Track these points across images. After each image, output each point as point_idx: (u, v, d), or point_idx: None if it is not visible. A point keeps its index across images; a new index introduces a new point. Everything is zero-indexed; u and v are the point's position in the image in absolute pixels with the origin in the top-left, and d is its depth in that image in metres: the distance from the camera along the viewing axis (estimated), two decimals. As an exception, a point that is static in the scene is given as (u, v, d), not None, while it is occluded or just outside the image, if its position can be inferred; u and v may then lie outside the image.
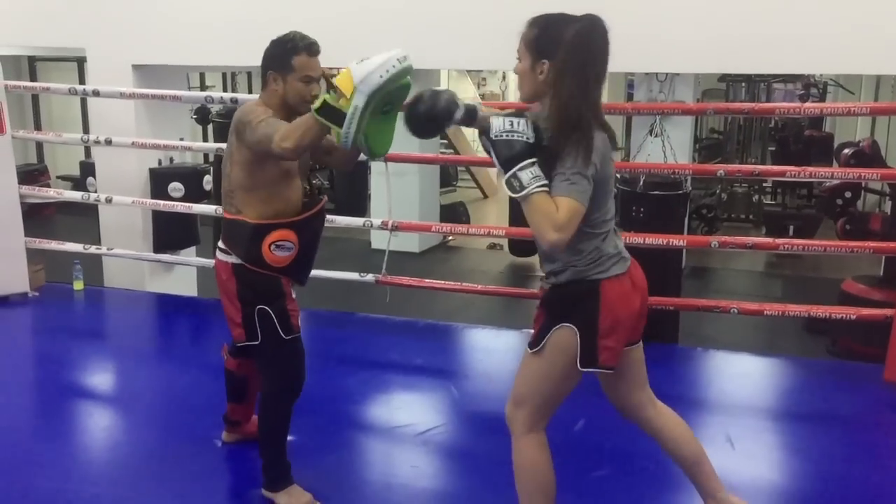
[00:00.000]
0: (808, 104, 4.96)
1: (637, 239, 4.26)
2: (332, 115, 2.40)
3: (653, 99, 6.64)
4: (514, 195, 2.19)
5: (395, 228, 4.71)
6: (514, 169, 2.18)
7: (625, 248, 2.41)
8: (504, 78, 14.76)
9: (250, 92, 13.93)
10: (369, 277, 4.77)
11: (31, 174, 9.83)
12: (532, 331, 2.43)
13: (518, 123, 2.21)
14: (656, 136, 7.45)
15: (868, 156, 6.39)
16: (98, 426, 3.72)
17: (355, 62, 2.40)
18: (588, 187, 2.17)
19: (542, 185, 2.16)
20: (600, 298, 2.27)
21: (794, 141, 10.49)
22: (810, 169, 3.84)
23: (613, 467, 3.25)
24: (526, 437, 2.40)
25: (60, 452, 3.36)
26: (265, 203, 2.78)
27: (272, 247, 2.77)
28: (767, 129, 12.26)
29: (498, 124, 2.22)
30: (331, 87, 2.45)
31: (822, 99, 12.10)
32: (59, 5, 5.62)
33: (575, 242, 2.24)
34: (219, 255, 2.88)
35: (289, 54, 2.76)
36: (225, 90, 12.94)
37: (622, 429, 3.52)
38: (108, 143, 5.05)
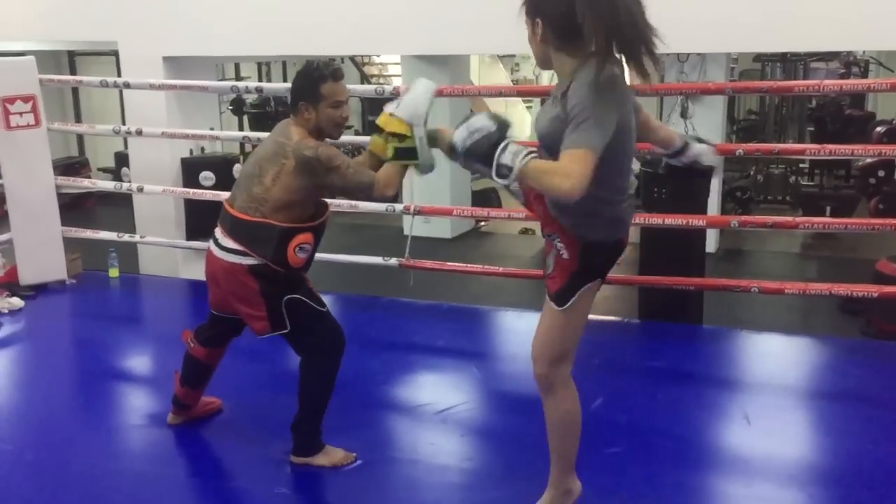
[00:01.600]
0: (827, 81, 4.91)
1: (657, 220, 4.28)
2: (407, 154, 2.72)
3: (681, 80, 6.61)
4: (510, 181, 2.17)
5: (418, 212, 4.77)
6: (495, 163, 2.16)
7: (630, 213, 2.47)
8: (538, 63, 14.69)
9: (284, 80, 14.08)
10: (393, 261, 4.83)
11: (73, 166, 10.05)
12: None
13: (475, 122, 2.21)
14: (684, 116, 7.45)
15: (902, 133, 6.29)
16: (132, 407, 3.84)
17: (393, 106, 2.71)
18: (605, 130, 2.10)
19: (527, 154, 2.13)
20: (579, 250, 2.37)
21: (831, 120, 10.32)
22: (830, 146, 3.81)
23: (628, 444, 3.28)
24: (565, 390, 2.51)
25: (97, 431, 3.49)
26: (295, 213, 2.91)
27: (297, 249, 2.91)
28: (805, 110, 12.06)
29: (460, 136, 2.22)
30: (388, 135, 2.72)
31: (864, 77, 11.88)
32: (92, 0, 5.76)
33: (574, 205, 2.20)
34: (228, 256, 2.94)
35: (316, 83, 2.87)
36: (260, 80, 13.10)
37: (639, 407, 3.60)
38: (139, 133, 5.19)
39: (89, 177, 10.04)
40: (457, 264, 4.90)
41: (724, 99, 7.95)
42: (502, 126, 2.21)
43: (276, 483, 3.05)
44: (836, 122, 10.36)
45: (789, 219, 4.14)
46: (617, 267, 2.55)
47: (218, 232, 3.00)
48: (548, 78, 9.79)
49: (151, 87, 4.97)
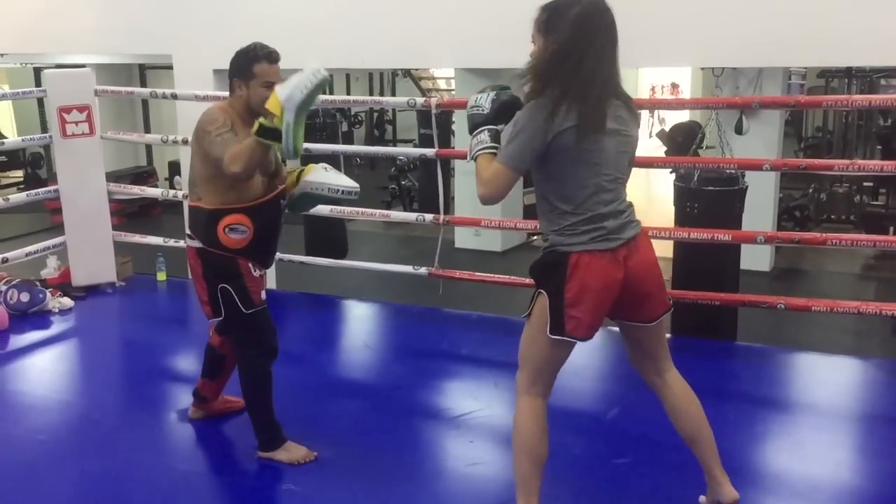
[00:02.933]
0: (856, 96, 4.80)
1: (682, 234, 4.26)
2: (270, 134, 2.74)
3: (716, 94, 6.53)
4: (466, 160, 2.49)
5: (447, 223, 4.84)
6: (470, 138, 2.48)
7: (623, 229, 2.45)
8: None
9: (348, 93, 14.36)
10: (422, 271, 4.91)
11: (141, 175, 10.45)
12: None
13: (480, 98, 2.50)
14: (738, 132, 7.34)
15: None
16: (166, 405, 3.95)
17: (278, 85, 2.75)
18: (522, 150, 2.35)
19: (483, 149, 2.43)
20: (567, 269, 2.38)
21: (896, 138, 10.02)
22: (860, 162, 3.74)
23: (636, 455, 3.29)
24: (523, 398, 2.56)
25: (130, 427, 3.64)
26: (222, 193, 3.03)
27: (226, 229, 3.01)
28: (874, 127, 11.70)
29: (470, 101, 2.51)
30: (266, 112, 2.76)
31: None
32: (148, 15, 6.01)
33: (549, 215, 2.46)
34: (187, 240, 3.17)
35: (250, 63, 3.01)
36: (323, 93, 13.35)
37: (654, 420, 3.56)
38: (185, 142, 5.39)
39: (156, 185, 10.40)
40: (485, 275, 4.95)
41: (780, 115, 7.81)
42: (498, 112, 2.47)
43: (287, 480, 3.15)
44: (902, 139, 10.04)
45: (818, 235, 4.06)
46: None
47: None
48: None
49: (197, 98, 5.16)
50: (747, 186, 4.61)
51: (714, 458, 2.67)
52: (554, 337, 2.42)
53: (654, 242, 2.65)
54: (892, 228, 9.01)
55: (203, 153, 2.99)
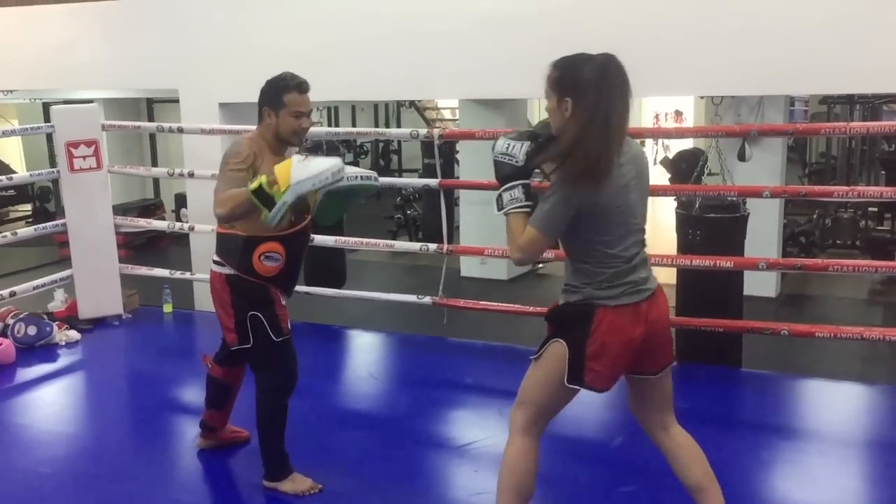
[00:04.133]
0: (854, 123, 4.84)
1: (684, 261, 4.27)
2: (264, 198, 2.73)
3: (715, 123, 6.57)
4: (496, 212, 2.41)
5: (450, 253, 4.87)
6: (501, 189, 2.41)
7: (648, 280, 2.48)
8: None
9: (353, 124, 14.48)
10: (427, 300, 4.93)
11: (148, 208, 10.53)
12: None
13: (513, 147, 2.38)
14: (742, 159, 7.37)
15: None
16: (172, 436, 3.99)
17: (298, 159, 2.74)
18: (558, 217, 2.32)
19: (518, 208, 2.36)
20: (592, 324, 2.38)
21: (901, 163, 10.04)
22: (859, 188, 3.77)
23: (642, 484, 3.29)
24: (518, 438, 2.53)
25: (149, 461, 3.64)
26: (256, 220, 3.00)
27: (262, 257, 3.03)
28: (878, 152, 11.72)
29: (500, 145, 2.41)
30: (271, 173, 2.75)
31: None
32: (154, 52, 6.11)
33: (583, 268, 2.41)
34: (213, 266, 3.16)
35: (281, 92, 3.04)
36: (330, 124, 13.51)
37: (658, 449, 3.57)
38: (191, 175, 5.46)
39: (164, 218, 10.45)
40: (488, 303, 4.97)
41: (783, 141, 7.84)
42: (531, 165, 2.38)
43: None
44: (905, 165, 10.06)
45: (819, 261, 4.07)
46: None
47: None
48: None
49: (203, 131, 5.23)
50: (748, 213, 4.63)
51: None
52: (569, 385, 2.42)
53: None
54: (897, 253, 8.99)
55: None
